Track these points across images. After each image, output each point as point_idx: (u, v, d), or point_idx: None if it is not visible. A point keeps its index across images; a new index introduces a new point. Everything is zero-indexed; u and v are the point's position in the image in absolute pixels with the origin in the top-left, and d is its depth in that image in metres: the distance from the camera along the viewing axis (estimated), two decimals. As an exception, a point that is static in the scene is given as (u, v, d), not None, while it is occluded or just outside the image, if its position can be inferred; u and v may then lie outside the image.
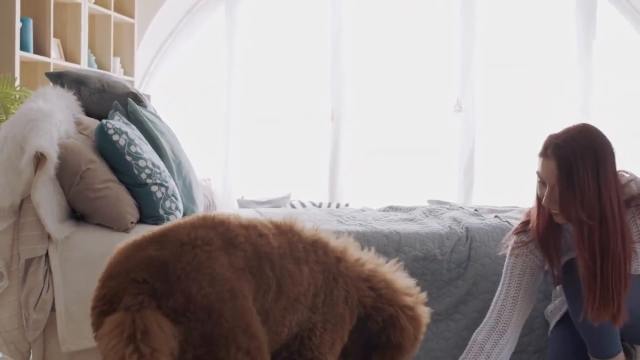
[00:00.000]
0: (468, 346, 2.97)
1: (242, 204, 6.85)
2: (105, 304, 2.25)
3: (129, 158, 3.35)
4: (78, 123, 3.54)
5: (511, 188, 7.16)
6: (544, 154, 2.84)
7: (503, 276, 3.02)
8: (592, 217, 2.77)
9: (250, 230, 2.44)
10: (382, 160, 7.45)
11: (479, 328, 2.99)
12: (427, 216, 3.87)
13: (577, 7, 7.16)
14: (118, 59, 6.88)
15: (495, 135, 7.38)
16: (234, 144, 7.35)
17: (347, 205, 6.53)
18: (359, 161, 7.38)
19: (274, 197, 7.05)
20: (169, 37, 7.45)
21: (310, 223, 2.69)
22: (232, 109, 7.35)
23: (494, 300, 3.01)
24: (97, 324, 2.26)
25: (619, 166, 2.91)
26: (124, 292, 2.22)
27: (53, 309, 3.21)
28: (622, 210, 2.80)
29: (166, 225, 2.44)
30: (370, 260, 2.70)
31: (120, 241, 3.22)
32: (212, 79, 7.47)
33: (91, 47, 6.59)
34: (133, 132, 3.46)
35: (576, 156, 2.76)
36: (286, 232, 2.52)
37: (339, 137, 7.30)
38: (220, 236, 2.36)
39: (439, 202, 5.29)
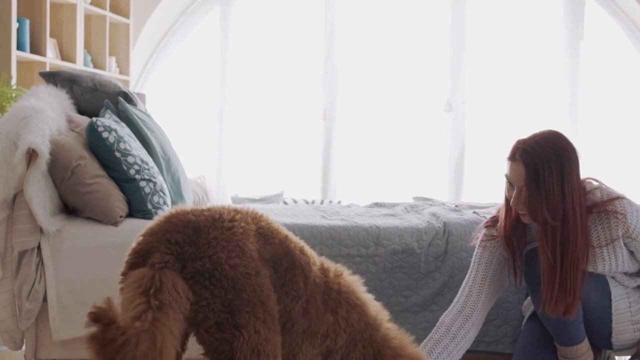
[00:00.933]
0: (435, 327, 3.10)
1: (236, 201, 6.98)
2: (138, 258, 2.36)
3: (118, 154, 3.47)
4: (70, 121, 3.67)
5: (501, 187, 7.23)
6: (512, 157, 2.98)
7: (471, 265, 3.15)
8: (555, 217, 2.91)
9: (292, 241, 2.55)
10: (374, 159, 7.55)
11: (446, 311, 3.13)
12: (408, 212, 3.99)
13: (565, 9, 7.28)
14: (114, 59, 7.00)
15: (485, 134, 7.49)
16: (228, 142, 7.47)
17: (339, 202, 6.66)
18: (351, 160, 7.50)
19: (268, 194, 7.18)
20: (164, 37, 7.56)
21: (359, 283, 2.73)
22: (226, 107, 7.46)
23: (461, 287, 3.14)
24: (125, 275, 2.37)
25: (589, 173, 3.07)
26: (156, 249, 2.33)
27: (45, 299, 3.33)
28: (583, 213, 2.95)
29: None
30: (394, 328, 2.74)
31: (109, 234, 3.37)
32: (206, 78, 7.58)
33: (87, 47, 6.71)
34: (122, 130, 3.58)
35: (542, 161, 2.90)
36: (327, 276, 2.59)
37: (331, 136, 7.42)
38: (258, 228, 2.47)
39: (423, 199, 5.41)
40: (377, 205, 4.43)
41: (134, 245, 2.42)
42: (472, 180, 7.41)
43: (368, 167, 7.55)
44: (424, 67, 7.50)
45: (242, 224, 2.42)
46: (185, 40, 7.59)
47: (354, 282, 2.66)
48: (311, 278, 2.50)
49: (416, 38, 7.50)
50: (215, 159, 7.46)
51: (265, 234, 2.48)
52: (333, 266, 2.65)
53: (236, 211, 2.48)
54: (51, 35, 6.17)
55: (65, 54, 6.30)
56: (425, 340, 3.07)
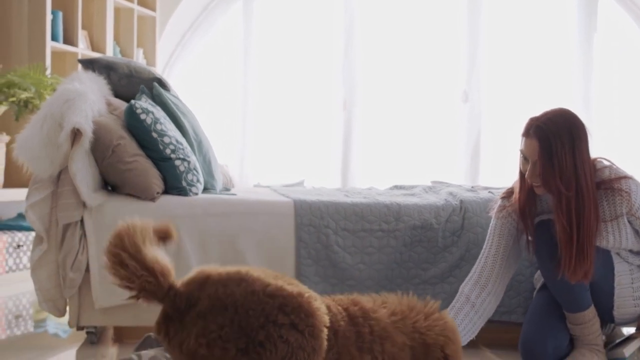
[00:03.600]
0: (456, 297, 3.32)
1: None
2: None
3: (154, 135, 3.70)
4: (108, 104, 3.90)
5: (516, 177, 7.40)
6: (527, 134, 3.19)
7: (487, 237, 3.37)
8: (569, 188, 3.12)
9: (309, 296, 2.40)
10: (392, 148, 7.74)
11: (465, 281, 3.35)
12: (426, 192, 4.21)
13: (579, 1, 7.47)
14: (141, 50, 7.25)
15: (501, 125, 7.67)
16: (250, 132, 7.70)
17: (358, 190, 6.86)
18: (370, 149, 7.71)
19: (289, 183, 7.39)
20: (189, 29, 7.79)
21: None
22: (249, 99, 7.70)
23: (478, 258, 3.36)
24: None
25: (600, 153, 3.29)
26: None
27: (87, 269, 3.56)
28: (593, 185, 3.16)
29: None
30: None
31: (147, 209, 3.59)
32: (229, 71, 7.80)
33: (116, 39, 6.97)
34: (158, 112, 3.81)
35: (555, 135, 3.12)
36: (357, 321, 2.52)
37: (351, 125, 7.64)
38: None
39: (441, 183, 5.62)
40: (396, 187, 4.66)
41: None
42: (488, 170, 7.59)
43: (386, 156, 7.73)
44: (440, 59, 7.70)
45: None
46: (209, 33, 7.81)
47: (380, 313, 2.62)
48: (340, 332, 2.43)
49: (433, 31, 7.71)
50: (238, 149, 7.69)
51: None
52: (359, 305, 2.58)
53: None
54: (83, 27, 6.42)
55: (96, 45, 6.55)
56: (447, 310, 3.28)
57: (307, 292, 2.37)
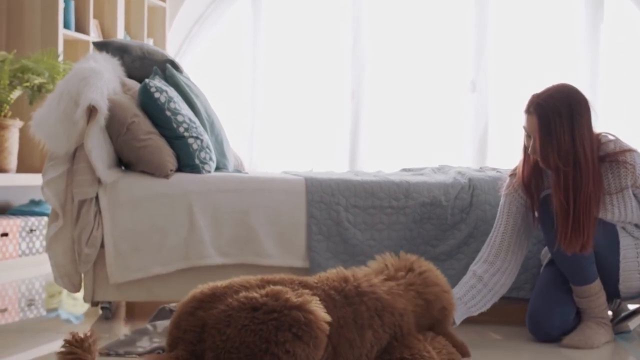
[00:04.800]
0: (466, 275, 3.37)
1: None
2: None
3: (168, 113, 3.77)
4: (122, 84, 3.97)
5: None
6: (528, 111, 3.28)
7: (497, 215, 3.43)
8: (566, 164, 3.19)
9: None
10: (400, 138, 7.79)
11: (474, 261, 3.41)
12: (435, 172, 4.27)
13: (585, -8, 7.53)
14: (151, 40, 7.32)
15: (508, 115, 7.71)
16: (259, 124, 7.78)
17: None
18: (378, 139, 7.76)
19: (297, 171, 7.44)
20: (198, 20, 7.85)
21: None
22: (258, 89, 7.77)
23: (489, 236, 3.42)
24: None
25: (605, 128, 3.35)
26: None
27: (102, 245, 3.62)
28: (595, 159, 3.22)
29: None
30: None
31: (161, 185, 3.65)
32: (238, 62, 7.87)
33: (126, 28, 7.04)
34: (172, 92, 3.88)
35: (553, 112, 3.19)
36: (352, 300, 2.57)
37: (359, 115, 7.70)
38: None
39: (449, 166, 5.68)
40: (405, 170, 4.71)
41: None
42: (496, 160, 7.62)
43: (394, 146, 7.78)
44: (448, 50, 7.74)
45: None
46: (218, 25, 7.87)
47: (374, 282, 2.68)
48: (334, 326, 2.46)
49: (441, 21, 7.76)
50: (247, 141, 7.76)
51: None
52: (350, 282, 2.63)
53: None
54: (94, 17, 6.49)
55: (107, 34, 6.62)
56: (457, 287, 3.33)
57: (300, 296, 2.40)
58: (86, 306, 4.02)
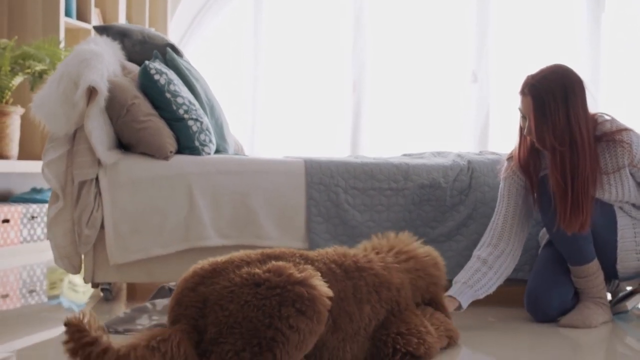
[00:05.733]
0: (471, 260, 3.38)
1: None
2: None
3: (168, 95, 3.78)
4: (122, 68, 3.98)
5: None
6: (523, 92, 3.30)
7: (498, 199, 3.44)
8: (562, 143, 3.20)
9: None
10: (401, 129, 7.80)
11: (477, 246, 3.42)
12: (435, 157, 4.28)
13: (587, -19, 7.53)
14: (153, 30, 7.31)
15: (509, 105, 7.71)
16: (260, 115, 7.78)
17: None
18: (379, 130, 7.77)
19: (298, 162, 7.46)
20: (201, 10, 7.86)
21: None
22: (259, 80, 7.78)
23: (491, 220, 3.43)
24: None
25: (600, 109, 3.37)
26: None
27: (102, 226, 3.64)
28: (591, 139, 3.23)
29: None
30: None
31: (161, 167, 3.67)
32: (239, 52, 7.87)
33: (128, 18, 7.05)
34: (172, 74, 3.89)
35: (548, 92, 3.21)
36: (352, 275, 2.59)
37: (360, 107, 7.71)
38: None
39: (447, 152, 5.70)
40: (405, 155, 4.71)
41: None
42: (497, 150, 7.62)
43: (395, 137, 7.78)
44: (449, 40, 7.74)
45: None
46: (219, 16, 7.87)
47: (372, 258, 2.71)
48: (335, 299, 2.46)
49: (442, 12, 7.76)
50: (248, 132, 7.77)
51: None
52: (349, 257, 2.66)
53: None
54: (96, 5, 6.51)
55: (108, 23, 6.62)
56: (462, 272, 3.34)
57: (302, 271, 2.39)
58: (89, 293, 4.03)
